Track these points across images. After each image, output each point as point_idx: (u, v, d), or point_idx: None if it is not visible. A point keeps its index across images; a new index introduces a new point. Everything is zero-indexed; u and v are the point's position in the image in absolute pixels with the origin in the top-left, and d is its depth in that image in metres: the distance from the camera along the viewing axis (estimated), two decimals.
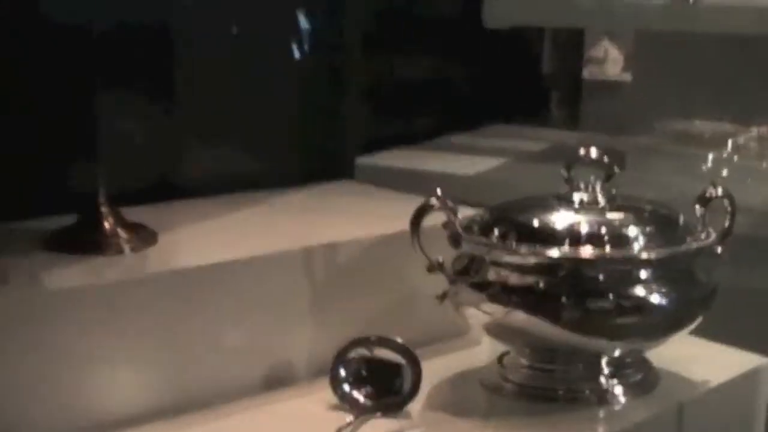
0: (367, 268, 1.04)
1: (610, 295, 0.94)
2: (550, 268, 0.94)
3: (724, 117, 1.67)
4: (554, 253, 0.93)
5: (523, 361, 1.01)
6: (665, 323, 0.98)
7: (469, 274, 0.96)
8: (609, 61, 2.00)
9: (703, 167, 1.58)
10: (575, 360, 1.00)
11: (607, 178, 1.01)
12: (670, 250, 0.97)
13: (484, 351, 1.03)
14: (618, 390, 1.00)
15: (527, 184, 1.48)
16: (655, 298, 0.96)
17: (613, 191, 1.01)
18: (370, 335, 0.95)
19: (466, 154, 1.67)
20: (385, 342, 0.95)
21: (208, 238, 1.04)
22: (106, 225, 0.98)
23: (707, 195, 1.03)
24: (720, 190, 1.03)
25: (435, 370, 1.01)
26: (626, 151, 1.58)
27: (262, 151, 1.32)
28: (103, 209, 0.98)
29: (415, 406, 0.95)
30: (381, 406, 0.93)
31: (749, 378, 1.07)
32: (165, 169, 1.25)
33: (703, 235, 1.01)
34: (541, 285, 0.94)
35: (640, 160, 1.60)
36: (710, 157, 1.57)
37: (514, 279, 0.94)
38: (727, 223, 1.04)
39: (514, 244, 0.94)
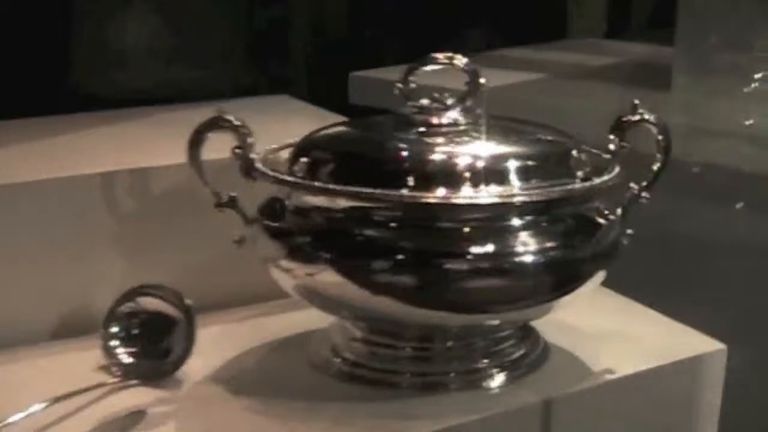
0: (186, 202, 0.83)
1: (462, 253, 0.69)
2: (373, 215, 0.70)
3: None
4: (379, 194, 0.69)
5: (358, 333, 0.78)
6: (544, 287, 0.72)
7: (269, 217, 0.75)
8: None
9: None
10: (430, 335, 0.77)
11: (469, 94, 0.76)
12: (544, 192, 0.71)
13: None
14: (490, 372, 0.77)
15: (547, 103, 1.25)
16: (527, 257, 0.71)
17: (478, 111, 0.76)
18: (146, 284, 0.77)
19: (500, 69, 1.42)
20: (161, 293, 0.76)
21: (19, 156, 0.88)
22: None
23: (624, 120, 0.76)
24: (647, 115, 0.76)
25: (250, 333, 0.82)
26: (678, 68, 1.28)
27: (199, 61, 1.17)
28: None
29: (194, 376, 0.75)
30: (142, 371, 0.75)
31: (680, 371, 0.79)
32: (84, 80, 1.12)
33: (607, 173, 0.75)
34: (361, 238, 0.70)
35: (707, 81, 1.29)
36: None
37: (323, 228, 0.72)
38: (657, 165, 0.77)
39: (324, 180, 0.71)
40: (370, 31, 1.51)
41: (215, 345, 0.79)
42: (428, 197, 0.69)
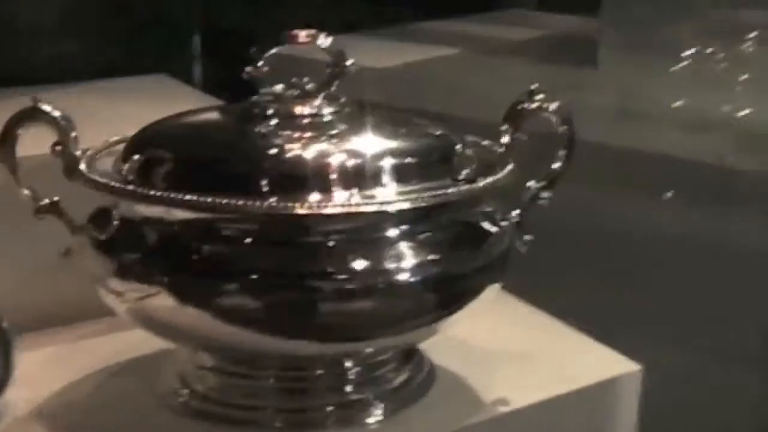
0: (9, 205, 0.68)
1: (328, 272, 0.58)
2: (217, 228, 0.59)
3: None
4: (223, 204, 0.57)
5: (209, 361, 0.66)
6: (425, 308, 0.62)
7: (96, 228, 0.62)
8: None
9: (718, 69, 1.15)
10: (296, 363, 0.65)
11: (331, 79, 0.64)
12: (421, 196, 0.59)
13: None
14: (366, 404, 0.66)
15: (458, 82, 1.14)
16: (405, 273, 0.60)
17: (342, 100, 0.65)
18: None
19: (415, 43, 1.31)
20: None
21: None
22: None
23: (520, 108, 0.65)
24: (546, 103, 0.65)
25: (83, 357, 0.71)
26: (605, 43, 1.18)
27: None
28: None
29: (14, 410, 0.64)
30: None
31: (586, 399, 0.68)
32: None
33: (497, 172, 0.64)
34: (202, 255, 0.59)
35: (635, 58, 1.19)
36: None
37: (157, 243, 0.60)
38: (559, 163, 0.66)
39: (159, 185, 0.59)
40: (283, 4, 1.39)
41: (41, 372, 0.68)
42: (284, 206, 0.58)
